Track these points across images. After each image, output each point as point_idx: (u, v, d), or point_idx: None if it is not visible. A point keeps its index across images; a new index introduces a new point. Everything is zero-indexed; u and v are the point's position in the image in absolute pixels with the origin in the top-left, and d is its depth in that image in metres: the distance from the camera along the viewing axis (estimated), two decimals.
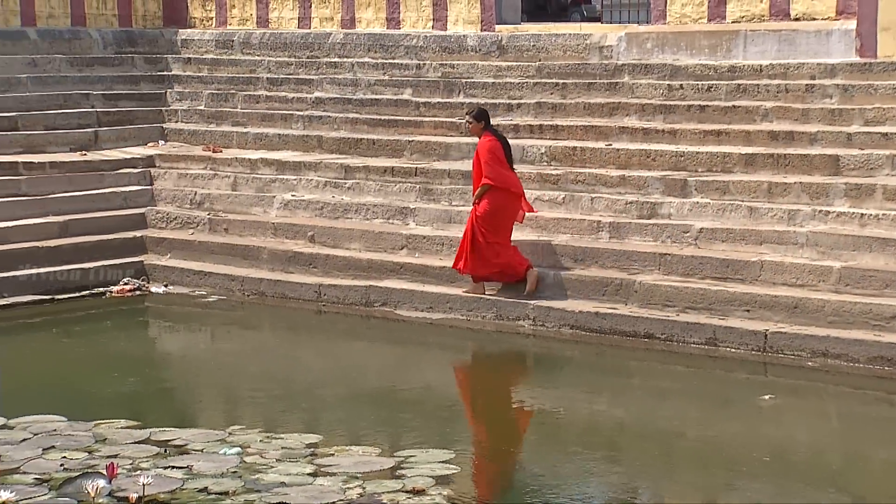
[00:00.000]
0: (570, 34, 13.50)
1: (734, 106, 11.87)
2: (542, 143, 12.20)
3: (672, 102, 12.21)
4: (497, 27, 14.16)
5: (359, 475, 6.87)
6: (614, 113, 12.39)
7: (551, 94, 12.98)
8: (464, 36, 14.08)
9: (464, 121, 11.34)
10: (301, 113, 13.98)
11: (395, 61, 14.24)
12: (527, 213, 10.78)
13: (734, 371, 9.19)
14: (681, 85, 12.34)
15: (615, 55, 13.09)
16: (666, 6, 13.22)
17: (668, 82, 12.46)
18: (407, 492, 6.64)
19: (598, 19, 14.21)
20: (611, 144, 11.94)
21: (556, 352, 9.98)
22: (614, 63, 12.98)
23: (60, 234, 12.21)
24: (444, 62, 13.93)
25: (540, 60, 13.42)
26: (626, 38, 13.10)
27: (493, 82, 13.39)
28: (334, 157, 13.04)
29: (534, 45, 13.58)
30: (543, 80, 13.14)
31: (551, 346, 10.05)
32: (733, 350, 9.45)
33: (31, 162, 12.97)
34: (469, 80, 13.53)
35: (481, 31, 14.17)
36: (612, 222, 10.98)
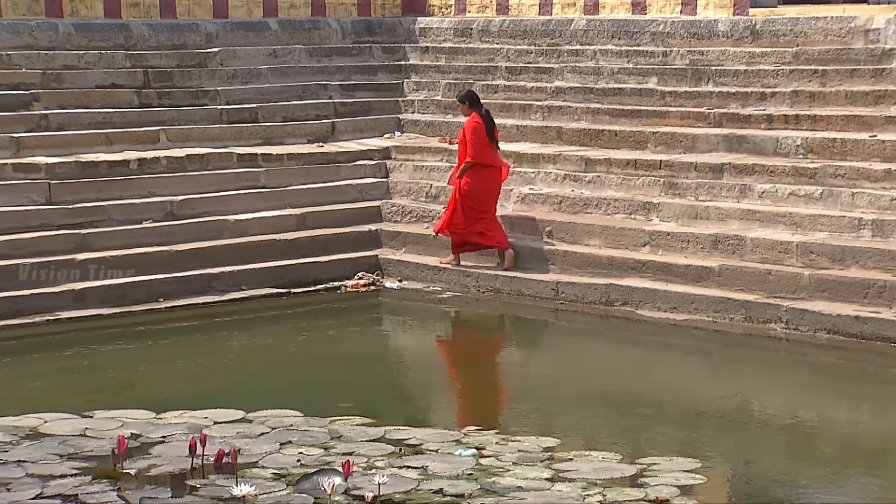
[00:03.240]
0: (832, 17, 13.10)
1: None
2: (797, 135, 11.90)
3: None
4: (751, 10, 13.86)
5: (598, 482, 6.87)
6: (880, 102, 11.98)
7: (809, 81, 12.64)
8: (714, 21, 13.85)
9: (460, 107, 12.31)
10: (540, 103, 14.04)
11: (640, 48, 14.12)
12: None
13: None
14: None
15: (882, 39, 12.63)
16: None
17: None
18: (650, 501, 6.60)
19: (863, 0, 13.74)
20: (875, 135, 11.55)
21: (811, 358, 9.73)
22: (881, 48, 12.53)
23: (297, 227, 12.56)
24: (693, 49, 13.73)
25: (797, 46, 13.08)
26: (894, 20, 12.63)
27: (745, 70, 13.13)
28: (574, 149, 13.05)
29: (791, 30, 13.25)
30: (801, 67, 12.81)
31: (805, 351, 9.81)
32: None
33: (269, 154, 13.38)
34: (719, 68, 13.31)
35: (733, 14, 13.91)
36: (875, 219, 10.62)
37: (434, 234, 12.19)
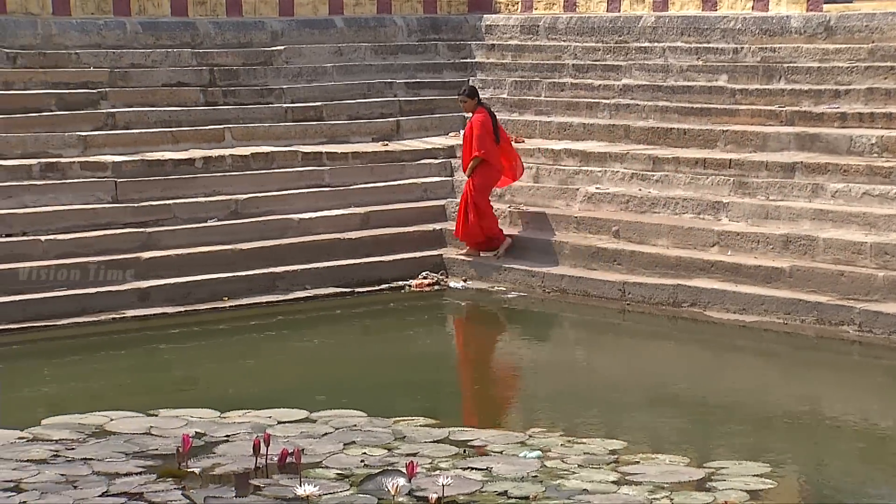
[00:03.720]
0: None
1: None
2: (872, 133, 11.73)
3: None
4: (825, 6, 13.68)
5: (665, 485, 6.82)
6: None
7: (885, 78, 12.46)
8: (787, 17, 13.70)
9: (459, 100, 12.73)
10: (607, 101, 13.97)
11: (710, 45, 13.99)
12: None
13: None
14: None
15: None
16: None
17: None
18: None
19: None
20: None
21: (885, 361, 9.59)
22: None
23: (361, 226, 12.59)
24: (764, 46, 13.59)
25: (873, 42, 12.89)
26: None
27: (819, 67, 12.97)
28: (642, 148, 12.97)
29: (866, 26, 13.06)
30: (876, 64, 12.62)
31: (879, 354, 9.67)
32: None
33: (334, 152, 13.42)
34: (791, 65, 13.16)
35: (807, 10, 13.74)
36: None
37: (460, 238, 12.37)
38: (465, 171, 12.40)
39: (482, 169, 12.19)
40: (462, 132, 14.46)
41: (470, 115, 12.54)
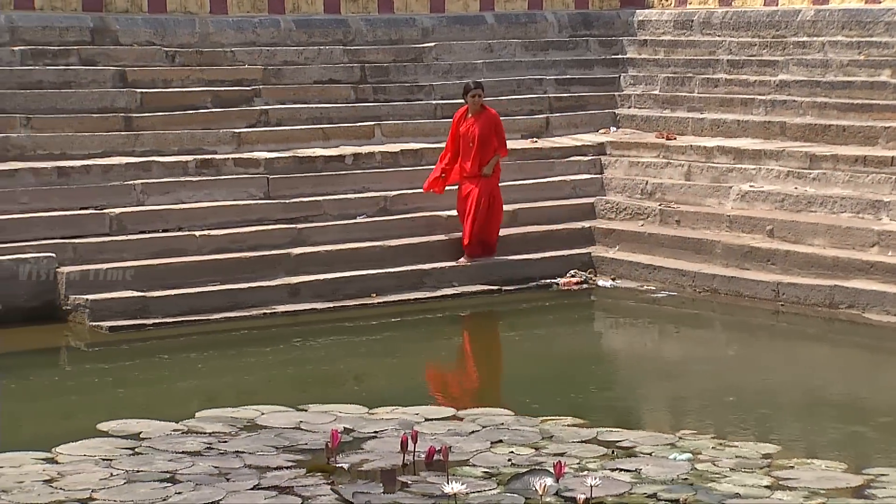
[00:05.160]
0: None
1: None
2: None
3: None
4: None
5: (821, 491, 6.69)
6: None
7: None
8: None
9: (475, 98, 12.16)
10: (763, 97, 13.75)
11: (873, 39, 13.63)
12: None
13: None
14: None
15: None
16: None
17: None
18: None
19: None
20: None
21: None
22: None
23: (510, 223, 12.54)
24: None
25: None
26: None
27: None
28: (798, 145, 12.75)
29: None
30: None
31: None
32: None
33: None
34: None
35: None
36: None
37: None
38: (469, 171, 11.95)
39: (497, 168, 12.12)
40: (613, 129, 14.45)
41: (473, 110, 12.13)
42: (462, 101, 12.51)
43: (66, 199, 11.52)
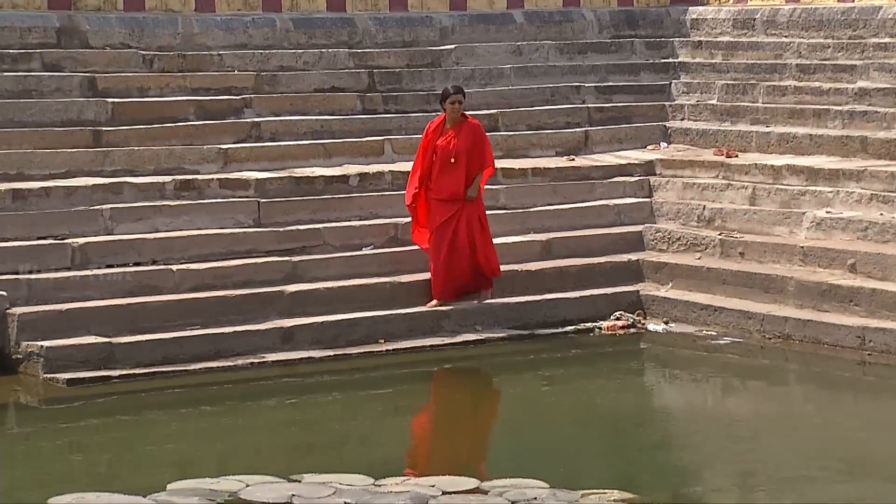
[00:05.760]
0: None
1: None
2: None
3: None
4: None
5: None
6: None
7: None
8: None
9: (455, 105, 11.84)
10: (839, 108, 13.63)
11: None
12: None
13: None
14: None
15: None
16: None
17: None
18: None
19: None
20: None
21: None
22: None
23: (542, 256, 12.50)
24: None
25: None
26: None
27: None
28: (883, 164, 12.61)
29: None
30: None
31: None
32: None
33: (510, 168, 13.37)
34: None
35: None
36: None
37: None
38: (449, 192, 11.62)
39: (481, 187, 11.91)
40: (663, 144, 14.13)
41: (452, 120, 11.76)
42: (440, 109, 12.21)
43: (20, 226, 11.40)
